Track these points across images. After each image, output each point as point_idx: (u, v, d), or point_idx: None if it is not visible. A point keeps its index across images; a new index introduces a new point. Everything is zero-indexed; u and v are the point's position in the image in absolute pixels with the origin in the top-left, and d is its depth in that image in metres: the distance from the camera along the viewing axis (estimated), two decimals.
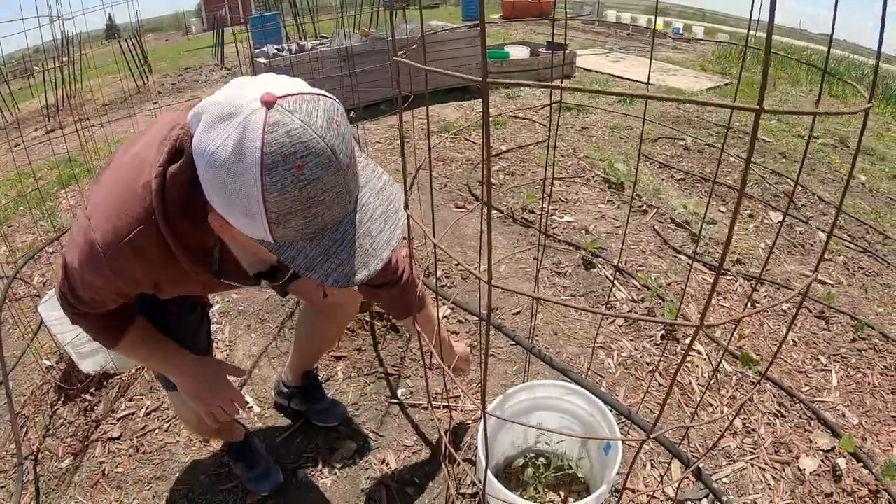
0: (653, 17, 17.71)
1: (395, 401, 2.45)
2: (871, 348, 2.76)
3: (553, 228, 3.70)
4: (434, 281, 2.94)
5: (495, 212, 3.89)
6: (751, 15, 1.27)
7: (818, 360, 2.68)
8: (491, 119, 5.99)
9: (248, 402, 1.42)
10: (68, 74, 11.63)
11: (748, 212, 4.03)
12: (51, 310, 2.67)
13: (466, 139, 5.50)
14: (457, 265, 3.36)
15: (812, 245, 3.69)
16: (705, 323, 0.69)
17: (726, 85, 8.38)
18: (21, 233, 4.57)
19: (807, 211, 4.11)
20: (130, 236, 1.13)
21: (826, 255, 3.55)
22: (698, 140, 5.39)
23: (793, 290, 3.12)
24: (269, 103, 0.87)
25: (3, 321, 3.33)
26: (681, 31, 14.88)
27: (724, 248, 0.63)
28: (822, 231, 3.82)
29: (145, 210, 1.11)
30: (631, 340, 2.71)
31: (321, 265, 1.00)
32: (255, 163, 0.86)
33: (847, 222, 4.00)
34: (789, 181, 4.56)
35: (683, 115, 6.32)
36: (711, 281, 3.12)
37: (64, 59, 11.91)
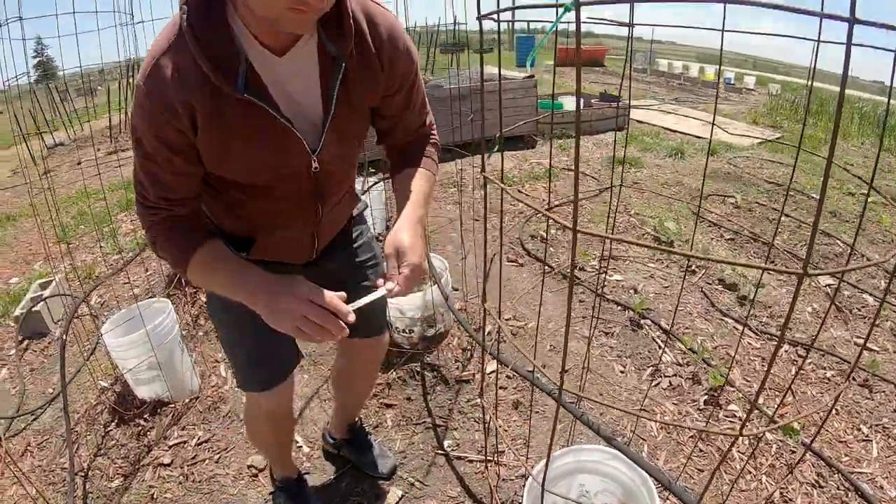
0: (703, 66, 17.75)
1: (442, 452, 2.57)
2: None
3: (601, 287, 3.81)
4: (482, 336, 3.07)
5: (546, 268, 4.02)
6: (812, 73, 1.41)
7: (860, 429, 2.70)
8: (544, 170, 6.16)
9: (348, 310, 1.29)
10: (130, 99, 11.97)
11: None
12: (113, 336, 2.81)
13: (520, 191, 5.65)
14: (507, 320, 3.49)
15: (860, 310, 3.69)
16: (777, 417, 0.80)
17: (777, 139, 8.36)
18: (81, 251, 4.80)
19: (856, 274, 4.13)
20: (161, 53, 1.21)
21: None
22: (748, 199, 5.45)
23: (838, 356, 3.16)
24: None
25: (61, 337, 3.55)
26: (732, 81, 14.84)
27: (783, 325, 0.76)
28: (871, 296, 3.82)
29: (174, 30, 1.21)
30: (675, 404, 2.80)
31: None
32: None
33: None
34: (839, 242, 4.58)
35: (734, 171, 6.38)
36: (757, 346, 3.21)
37: (131, 79, 12.32)
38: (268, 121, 1.30)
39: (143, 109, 1.24)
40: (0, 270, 5.36)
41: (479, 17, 1.19)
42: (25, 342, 3.83)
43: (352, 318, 1.29)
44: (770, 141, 8.22)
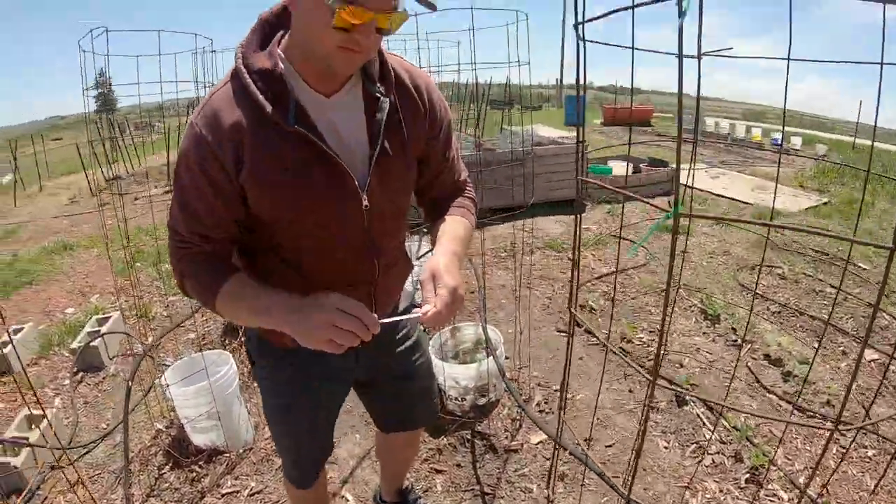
0: (751, 125, 17.68)
1: None
2: None
3: (649, 360, 3.94)
4: (532, 407, 3.22)
5: (593, 339, 4.16)
6: (873, 134, 1.52)
7: None
8: (593, 237, 6.31)
9: (374, 320, 1.28)
10: None
11: (841, 348, 4.13)
12: (177, 385, 3.02)
13: (569, 258, 5.81)
14: (555, 391, 3.63)
15: None
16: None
17: (825, 204, 8.39)
18: (137, 289, 5.05)
19: None
20: (216, 91, 1.35)
21: None
22: (794, 269, 5.52)
23: (880, 436, 3.20)
24: None
25: (115, 374, 3.82)
26: (779, 142, 14.80)
27: (840, 409, 0.90)
28: None
29: (230, 72, 1.36)
30: (717, 482, 2.91)
31: None
32: None
33: None
34: (885, 315, 4.61)
35: (781, 240, 6.45)
36: (801, 424, 3.28)
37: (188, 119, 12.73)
38: (317, 154, 1.36)
39: (189, 141, 1.34)
40: (56, 300, 5.68)
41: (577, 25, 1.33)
42: (80, 374, 4.10)
43: (377, 329, 1.29)
44: (817, 206, 8.26)
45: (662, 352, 3.94)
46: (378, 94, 1.43)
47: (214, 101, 1.33)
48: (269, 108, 1.29)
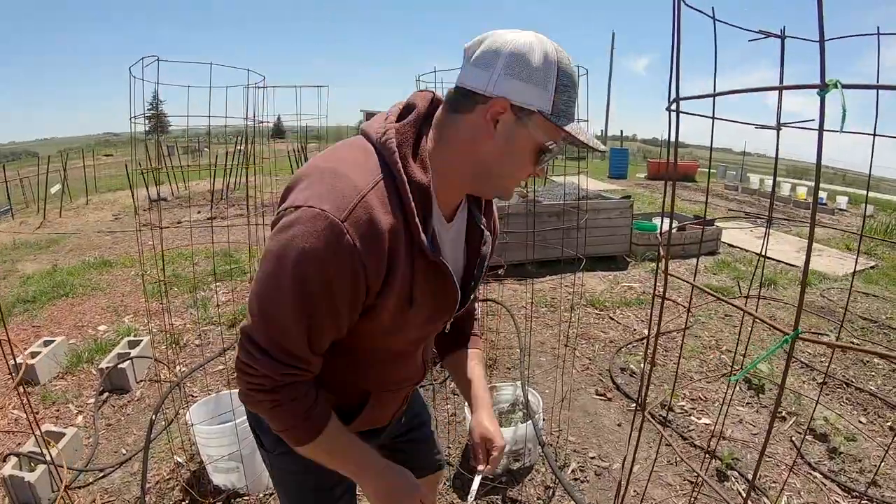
0: (796, 184, 17.50)
1: None
2: None
3: (690, 430, 3.83)
4: (567, 473, 3.13)
5: (631, 405, 4.06)
6: None
7: None
8: (636, 296, 6.23)
9: None
10: (237, 165, 12.53)
11: (888, 423, 3.99)
12: (201, 423, 3.00)
13: (611, 318, 5.72)
14: (592, 458, 3.54)
15: None
16: None
17: (872, 268, 8.24)
18: (171, 314, 5.04)
19: None
20: (369, 191, 1.12)
21: None
22: (841, 337, 5.36)
23: None
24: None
25: (140, 399, 3.81)
26: (825, 202, 14.60)
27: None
28: None
29: (376, 167, 1.17)
30: None
31: (575, 132, 1.19)
32: (553, 50, 1.14)
33: None
34: None
35: (827, 304, 6.30)
36: (843, 503, 3.16)
37: (239, 148, 12.97)
38: (448, 285, 1.32)
39: (330, 247, 1.08)
40: (90, 315, 5.72)
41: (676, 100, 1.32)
42: (105, 395, 4.10)
43: None
44: (865, 270, 8.08)
45: (704, 421, 3.84)
46: (482, 227, 1.42)
47: (370, 200, 1.12)
48: (423, 236, 1.19)
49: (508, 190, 1.26)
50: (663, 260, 1.31)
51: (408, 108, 1.26)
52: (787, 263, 8.24)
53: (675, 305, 6.08)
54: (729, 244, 9.16)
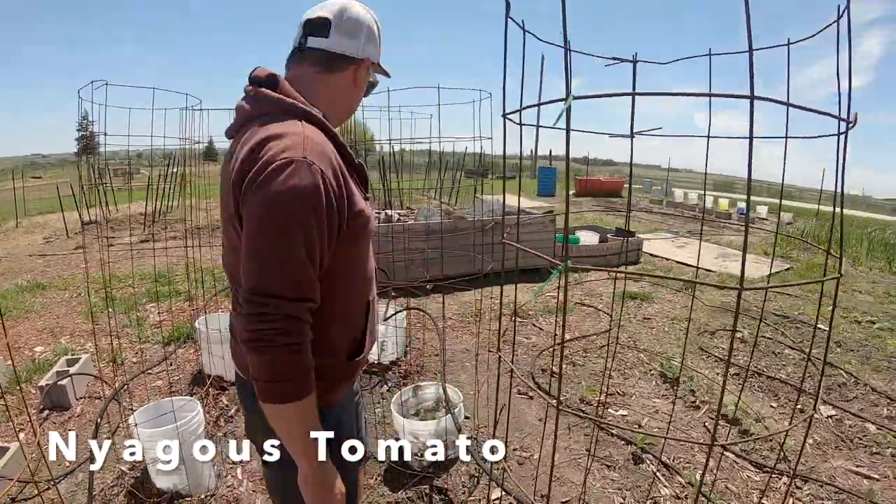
0: (718, 196, 18.10)
1: None
2: None
3: (604, 420, 3.99)
4: (489, 466, 3.26)
5: (553, 401, 4.19)
6: (841, 200, 1.59)
7: None
8: (558, 305, 6.41)
9: None
10: (168, 189, 12.50)
11: (799, 406, 4.17)
12: (143, 427, 3.03)
13: (533, 325, 5.90)
14: (514, 450, 3.67)
15: (861, 439, 3.80)
16: None
17: (787, 270, 8.65)
18: (107, 334, 5.02)
19: (859, 403, 4.27)
20: (306, 130, 1.36)
21: (874, 449, 3.68)
22: (754, 332, 5.60)
23: (837, 487, 3.26)
24: None
25: (80, 415, 3.85)
26: (745, 211, 15.10)
27: (797, 461, 0.98)
28: (873, 424, 3.93)
29: (289, 115, 1.41)
30: None
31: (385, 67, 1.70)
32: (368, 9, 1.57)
33: None
34: (843, 373, 4.73)
35: (742, 304, 6.56)
36: (755, 478, 3.34)
37: (173, 170, 13.06)
38: (366, 178, 1.62)
39: (310, 178, 1.26)
40: (26, 337, 5.64)
41: (505, 115, 1.62)
42: (46, 412, 4.06)
43: None
44: (780, 272, 8.48)
45: (621, 412, 4.01)
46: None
47: (314, 137, 1.35)
48: (347, 146, 1.48)
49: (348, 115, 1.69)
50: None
51: (273, 80, 1.49)
52: (705, 269, 8.57)
53: (597, 312, 6.31)
54: (651, 254, 9.49)
